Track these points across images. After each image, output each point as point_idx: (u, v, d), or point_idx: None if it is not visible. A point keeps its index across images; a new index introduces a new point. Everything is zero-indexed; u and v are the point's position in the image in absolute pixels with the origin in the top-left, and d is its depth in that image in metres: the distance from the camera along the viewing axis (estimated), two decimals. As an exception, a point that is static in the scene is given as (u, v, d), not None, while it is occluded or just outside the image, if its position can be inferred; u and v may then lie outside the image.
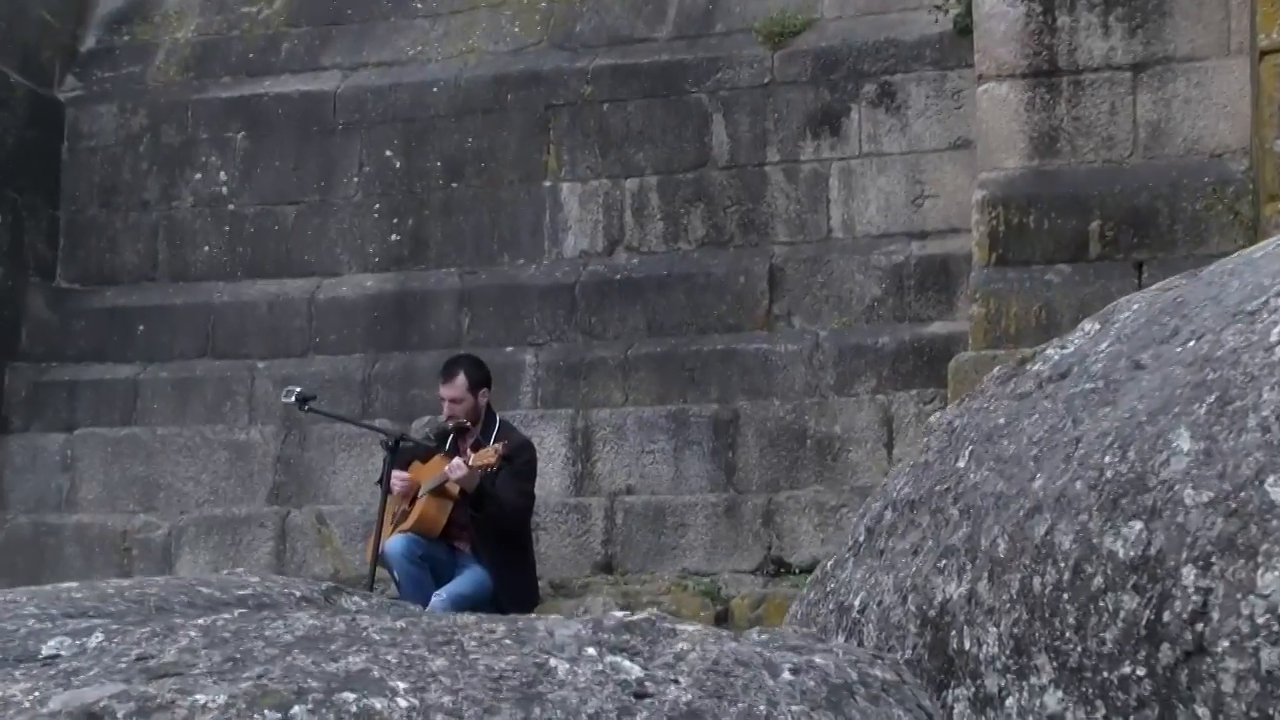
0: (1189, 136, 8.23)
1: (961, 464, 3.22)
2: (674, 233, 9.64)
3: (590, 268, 9.68)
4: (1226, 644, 2.32)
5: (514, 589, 8.00)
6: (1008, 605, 2.86)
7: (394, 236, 9.94)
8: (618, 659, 2.08)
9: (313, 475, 9.42)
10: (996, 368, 3.51)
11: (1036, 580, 2.76)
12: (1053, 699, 2.73)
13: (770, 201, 9.51)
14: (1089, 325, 3.33)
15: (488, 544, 7.93)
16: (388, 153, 10.01)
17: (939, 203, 9.30)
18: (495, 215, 9.85)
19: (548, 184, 9.82)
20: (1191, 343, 2.75)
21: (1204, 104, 8.21)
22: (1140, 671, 2.50)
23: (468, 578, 7.87)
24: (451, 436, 8.16)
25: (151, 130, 10.26)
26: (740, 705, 2.06)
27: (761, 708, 2.07)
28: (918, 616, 3.15)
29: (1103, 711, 2.59)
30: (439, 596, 7.62)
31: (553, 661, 2.05)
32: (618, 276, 9.59)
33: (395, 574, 7.87)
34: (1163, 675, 2.44)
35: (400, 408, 9.40)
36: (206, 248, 10.16)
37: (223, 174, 10.19)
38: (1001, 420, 3.18)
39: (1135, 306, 3.20)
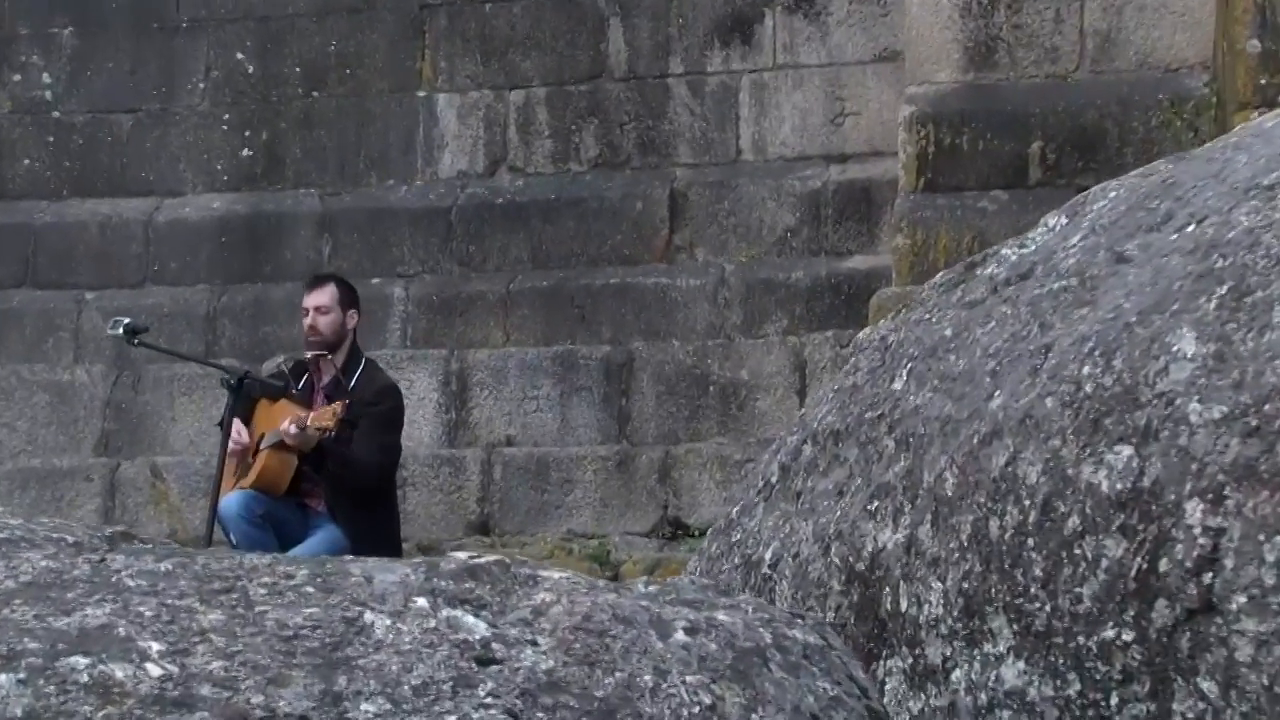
0: (1142, 49, 7.97)
1: (898, 385, 2.85)
2: (564, 152, 9.29)
3: (469, 190, 9.29)
4: (1243, 599, 1.96)
5: (372, 550, 7.56)
6: (956, 555, 2.49)
7: (245, 151, 9.52)
8: (458, 613, 1.68)
9: (147, 422, 8.97)
10: (940, 274, 3.15)
11: (994, 523, 2.39)
12: (1012, 671, 2.36)
13: (673, 118, 9.18)
14: (1054, 219, 2.97)
15: (342, 502, 7.51)
16: (239, 55, 9.58)
17: (861, 121, 9.01)
18: (362, 129, 9.45)
19: (422, 94, 9.44)
20: (1191, 227, 2.39)
21: (1159, 12, 7.95)
22: (1127, 636, 2.14)
23: (318, 540, 7.44)
24: (306, 375, 7.72)
25: (-37, 24, 9.70)
26: (618, 675, 1.67)
27: (646, 677, 1.68)
28: (843, 570, 2.78)
29: (1077, 686, 2.22)
30: None
31: (369, 616, 1.65)
32: (500, 200, 9.22)
33: (231, 535, 7.45)
34: (1156, 641, 2.09)
35: (250, 346, 8.99)
36: (27, 161, 9.68)
37: (46, 75, 9.70)
38: (948, 332, 2.82)
39: (1112, 194, 2.84)
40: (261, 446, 7.59)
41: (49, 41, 9.67)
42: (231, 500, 7.46)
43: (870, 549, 2.70)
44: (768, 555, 3.03)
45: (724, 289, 8.83)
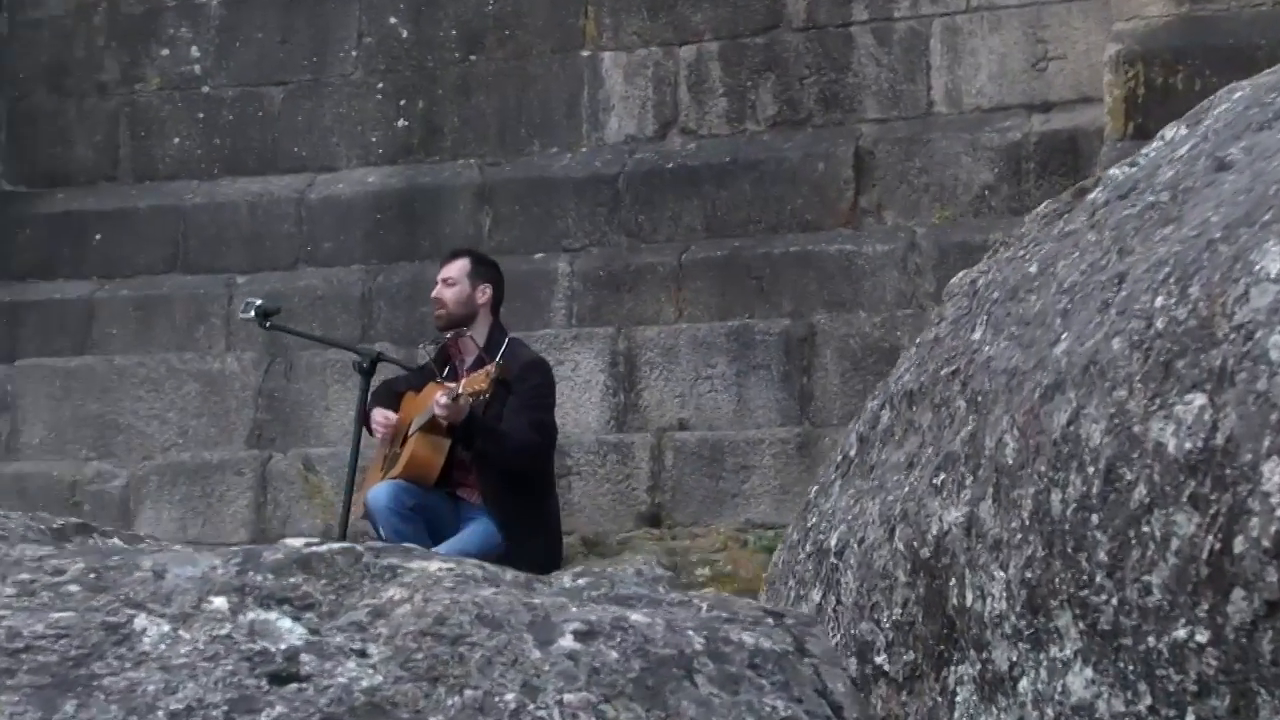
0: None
1: (977, 334, 2.49)
2: (739, 111, 8.96)
3: (637, 155, 9.01)
4: (1335, 590, 1.57)
5: (529, 547, 7.34)
6: (1018, 537, 2.12)
7: (401, 122, 9.36)
8: (270, 616, 1.39)
9: (300, 412, 8.86)
10: (1045, 202, 2.76)
11: (1055, 496, 2.02)
12: (1079, 680, 1.99)
13: (857, 70, 8.80)
14: (1172, 130, 2.57)
15: (496, 492, 7.28)
16: (392, 19, 9.42)
17: (1066, 66, 8.53)
18: (522, 94, 9.23)
19: (586, 54, 9.18)
20: (1302, 121, 1.98)
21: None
22: (1201, 636, 1.75)
23: (471, 533, 7.23)
24: (449, 361, 7.51)
25: (108, -3, 9.70)
26: (469, 693, 1.37)
27: (509, 696, 1.38)
28: (908, 558, 2.42)
29: (1148, 700, 1.85)
30: None
31: (140, 621, 1.37)
32: (670, 165, 8.92)
33: (379, 529, 7.27)
34: (1234, 642, 1.70)
35: (407, 328, 8.82)
36: (176, 139, 9.65)
37: (195, 49, 9.66)
38: (1033, 269, 2.44)
39: (1238, 94, 2.43)
40: (410, 432, 7.42)
41: (197, 13, 9.64)
42: (380, 492, 7.29)
43: (935, 531, 2.34)
44: (833, 541, 2.68)
45: (915, 254, 8.42)
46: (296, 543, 1.48)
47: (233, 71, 9.58)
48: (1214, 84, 7.68)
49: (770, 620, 1.68)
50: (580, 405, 8.53)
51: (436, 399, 6.94)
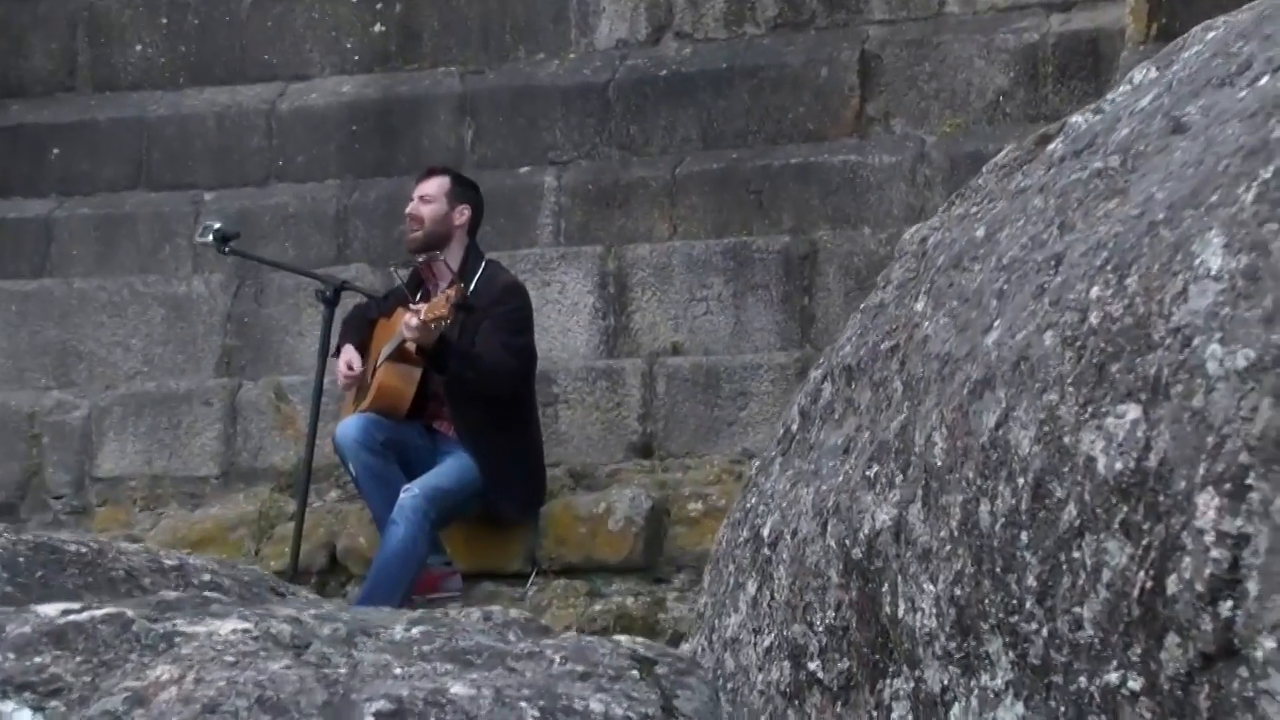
0: None
1: (919, 306, 2.32)
2: (737, 13, 8.76)
3: (629, 62, 8.81)
4: (1272, 645, 1.41)
5: (509, 480, 7.25)
6: (947, 548, 1.96)
7: (377, 26, 9.17)
8: (4, 709, 1.22)
9: (272, 337, 8.71)
10: (1006, 148, 2.59)
11: (984, 507, 1.86)
12: (1010, 716, 1.84)
13: (863, -33, 8.54)
14: (1141, 72, 2.39)
15: (471, 424, 7.15)
16: (366, -83, 9.16)
17: (1087, -40, 8.28)
18: (506, -5, 8.98)
19: (573, -48, 8.92)
20: (1265, 78, 1.80)
21: None
22: (1134, 683, 1.60)
23: (449, 467, 7.12)
24: (422, 284, 7.36)
25: (64, -106, 9.47)
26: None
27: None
28: (840, 557, 2.27)
29: (1081, 748, 1.69)
30: (409, 491, 6.90)
31: None
32: (664, 72, 8.72)
33: (350, 466, 7.18)
34: (1170, 694, 1.55)
35: (385, 248, 8.65)
36: (138, 47, 9.45)
37: (157, -50, 9.40)
38: (979, 232, 2.27)
39: (1210, 35, 2.25)
40: (378, 361, 7.29)
41: (158, -89, 9.40)
42: (349, 427, 7.18)
43: (867, 530, 2.19)
44: (768, 529, 2.53)
45: (924, 165, 8.22)
46: (52, 610, 1.32)
47: (197, -26, 9.37)
48: (1243, -19, 7.50)
49: (636, 672, 1.53)
50: (567, 329, 8.38)
51: (406, 321, 6.80)
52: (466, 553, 7.45)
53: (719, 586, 2.79)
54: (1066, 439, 1.68)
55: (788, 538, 2.43)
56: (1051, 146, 2.33)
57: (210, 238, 7.16)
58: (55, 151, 9.28)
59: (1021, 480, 1.76)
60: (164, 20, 9.38)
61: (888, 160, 8.31)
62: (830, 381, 2.50)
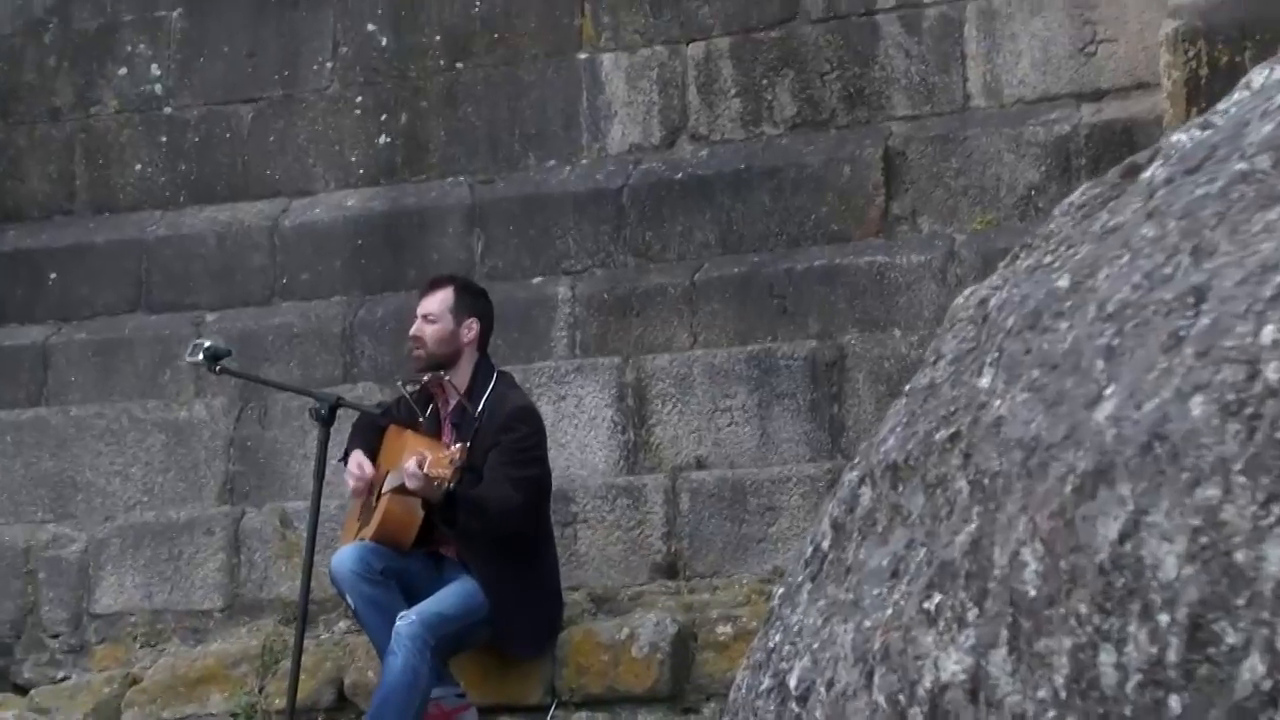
0: None
1: (984, 381, 1.74)
2: (755, 113, 8.28)
3: (643, 166, 8.33)
4: None
5: (519, 607, 6.68)
6: (1051, 713, 1.35)
7: (382, 138, 8.71)
8: None
9: (276, 462, 8.18)
10: (1083, 186, 2.01)
11: (1106, 657, 1.26)
12: None
13: (884, 63, 8.13)
14: (1262, 73, 1.81)
15: (479, 552, 6.61)
16: (370, 26, 8.77)
17: (1118, 49, 7.82)
18: (515, 103, 8.56)
19: (584, 56, 8.51)
20: None
21: None
22: None
23: (451, 592, 6.58)
24: (431, 400, 6.83)
25: (59, 12, 9.08)
26: None
27: None
28: (893, 718, 1.66)
29: None
30: (405, 619, 6.35)
31: None
32: (680, 176, 8.24)
33: (349, 599, 6.63)
34: None
35: (394, 366, 8.14)
36: (138, 166, 9.00)
37: (155, 67, 9.00)
38: (1063, 283, 1.69)
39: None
40: (383, 491, 6.76)
41: (156, 27, 9.01)
42: (345, 557, 6.66)
43: (929, 684, 1.59)
44: (795, 678, 1.92)
45: (955, 264, 7.70)
46: None
47: (197, 90, 8.94)
48: (1285, 61, 7.04)
49: None
50: (585, 445, 7.83)
51: (406, 470, 6.29)
52: (481, 684, 6.86)
53: (739, 746, 2.19)
54: (1239, 555, 1.09)
55: (821, 690, 1.83)
56: (1147, 174, 1.74)
57: (200, 356, 6.66)
58: (52, 276, 8.82)
59: (1166, 618, 1.16)
60: (163, 139, 8.93)
61: (916, 260, 7.78)
62: (870, 485, 1.91)
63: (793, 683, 1.89)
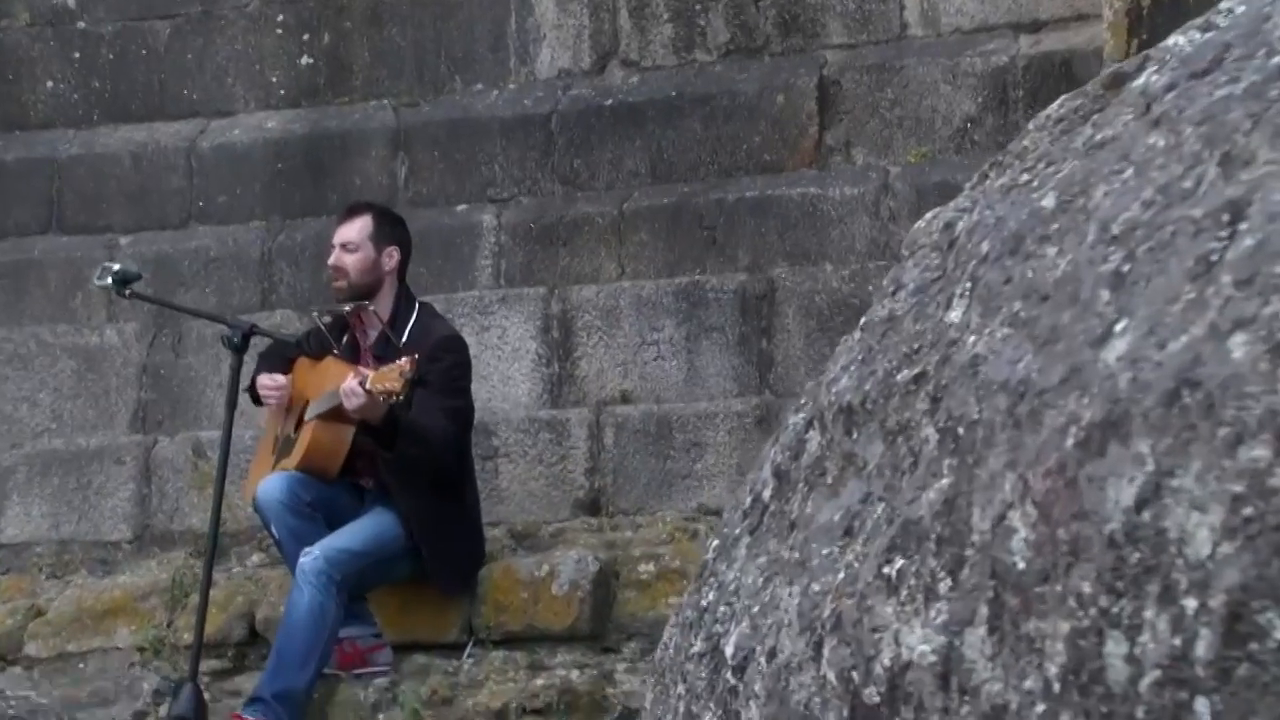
0: None
1: (954, 315, 1.56)
2: (687, 39, 8.00)
3: (572, 92, 8.05)
4: None
5: (443, 541, 6.46)
6: (1040, 707, 1.13)
7: (304, 59, 8.39)
8: None
9: (190, 390, 7.90)
10: (1060, 99, 1.78)
11: (1114, 647, 1.05)
12: None
13: (820, -12, 7.83)
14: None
15: (402, 485, 6.37)
16: (292, -58, 8.40)
17: (1057, -22, 7.59)
18: (442, 23, 8.26)
19: (512, -24, 8.17)
20: None
21: None
22: None
23: (360, 526, 6.37)
24: (347, 331, 6.58)
25: (-36, -80, 8.74)
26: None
27: None
28: (844, 699, 1.44)
29: None
30: (308, 554, 6.10)
31: None
32: (610, 102, 7.96)
33: (273, 529, 6.38)
34: None
35: (314, 292, 7.88)
36: (49, 83, 8.61)
37: (69, -20, 8.63)
38: (1048, 202, 1.47)
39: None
40: (307, 418, 6.51)
41: (69, -62, 8.62)
42: (272, 486, 6.40)
43: (888, 660, 1.36)
44: (731, 646, 1.70)
45: (889, 197, 7.49)
46: None
47: (111, 4, 8.56)
48: (1229, -6, 6.88)
49: None
50: (509, 377, 7.59)
51: (345, 389, 6.00)
52: (399, 622, 6.64)
53: (664, 712, 1.96)
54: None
55: (761, 660, 1.61)
56: (1139, 82, 1.51)
57: (109, 280, 6.39)
58: (-41, 195, 8.47)
59: (1195, 603, 0.94)
60: (76, 55, 8.57)
61: (849, 192, 7.57)
62: (819, 429, 1.69)
63: (729, 650, 1.67)
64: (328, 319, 6.67)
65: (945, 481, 1.32)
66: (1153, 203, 1.19)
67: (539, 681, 6.31)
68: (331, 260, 6.54)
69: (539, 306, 7.67)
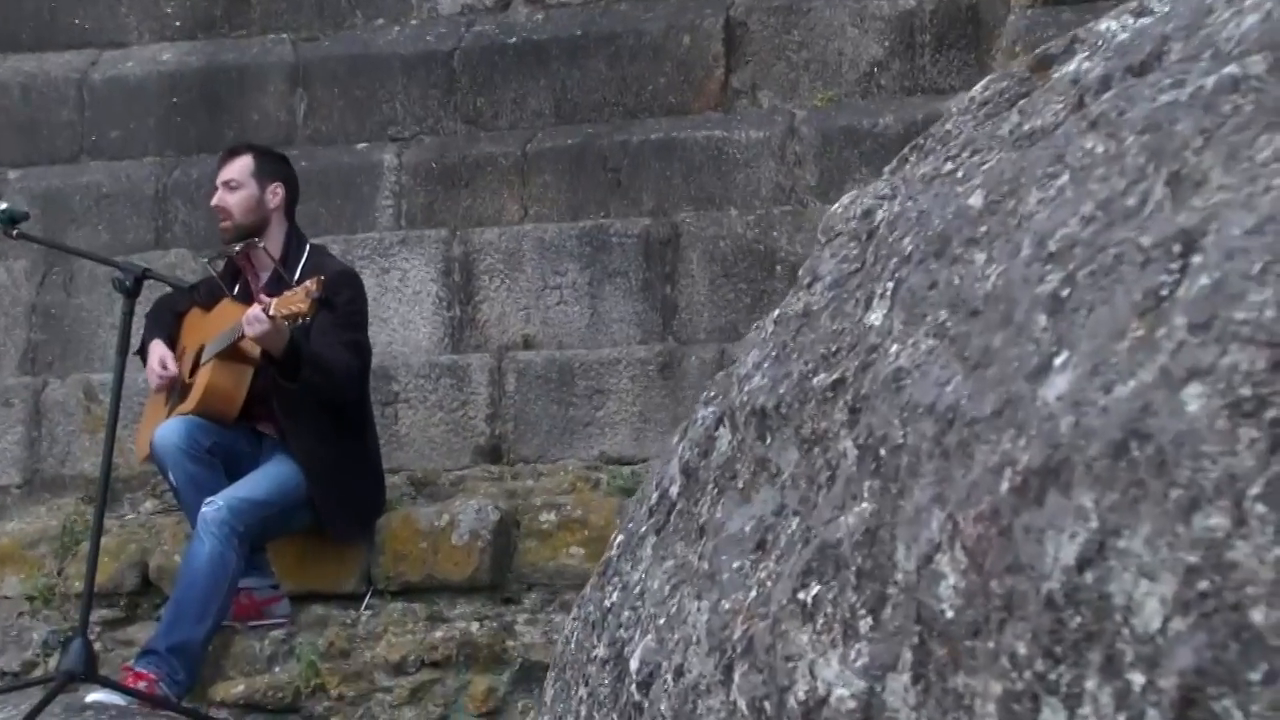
0: None
1: (874, 317, 1.48)
2: (592, -25, 7.83)
3: (476, 28, 7.89)
4: None
5: (341, 488, 6.31)
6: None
7: (200, -11, 8.15)
8: None
9: (82, 331, 7.69)
10: (985, 79, 1.70)
11: (1052, 714, 0.97)
12: None
13: (727, -74, 7.71)
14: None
15: (301, 426, 6.21)
16: None
17: (966, -80, 7.49)
18: (341, -44, 8.03)
19: (414, -91, 7.98)
20: None
21: None
22: None
23: (263, 475, 6.19)
24: (239, 275, 6.42)
25: None
26: None
27: None
28: (754, 730, 1.36)
29: None
30: (211, 504, 5.94)
31: None
32: (514, 40, 7.80)
33: (170, 476, 6.21)
34: None
35: (210, 231, 7.59)
36: (-66, 11, 8.33)
37: (-47, -96, 8.34)
38: (975, 200, 1.38)
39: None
40: (203, 360, 6.34)
41: None
42: (170, 431, 6.21)
43: (804, 693, 1.28)
44: (636, 660, 1.61)
45: (794, 141, 7.37)
46: None
47: (0, -70, 8.32)
48: (1139, -58, 6.80)
49: None
50: (408, 321, 7.45)
51: (249, 315, 5.82)
52: (297, 572, 6.50)
53: (565, 712, 1.88)
54: (1256, 614, 0.80)
55: (668, 677, 1.52)
56: (1070, 68, 1.43)
57: (-6, 222, 6.16)
58: None
59: (1142, 679, 0.86)
60: (-37, -19, 8.32)
61: (755, 136, 7.45)
62: (730, 427, 1.60)
63: (634, 664, 1.58)
64: (220, 264, 6.50)
65: (866, 507, 1.23)
66: (1093, 219, 1.10)
67: (438, 633, 6.20)
68: (215, 200, 6.37)
69: (440, 249, 7.52)
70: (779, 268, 7.20)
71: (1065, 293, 1.07)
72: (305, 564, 6.51)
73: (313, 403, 6.12)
